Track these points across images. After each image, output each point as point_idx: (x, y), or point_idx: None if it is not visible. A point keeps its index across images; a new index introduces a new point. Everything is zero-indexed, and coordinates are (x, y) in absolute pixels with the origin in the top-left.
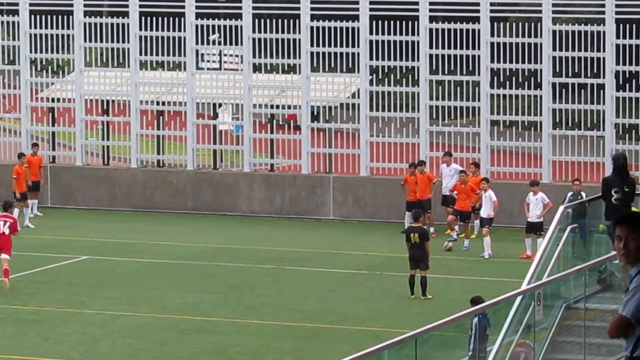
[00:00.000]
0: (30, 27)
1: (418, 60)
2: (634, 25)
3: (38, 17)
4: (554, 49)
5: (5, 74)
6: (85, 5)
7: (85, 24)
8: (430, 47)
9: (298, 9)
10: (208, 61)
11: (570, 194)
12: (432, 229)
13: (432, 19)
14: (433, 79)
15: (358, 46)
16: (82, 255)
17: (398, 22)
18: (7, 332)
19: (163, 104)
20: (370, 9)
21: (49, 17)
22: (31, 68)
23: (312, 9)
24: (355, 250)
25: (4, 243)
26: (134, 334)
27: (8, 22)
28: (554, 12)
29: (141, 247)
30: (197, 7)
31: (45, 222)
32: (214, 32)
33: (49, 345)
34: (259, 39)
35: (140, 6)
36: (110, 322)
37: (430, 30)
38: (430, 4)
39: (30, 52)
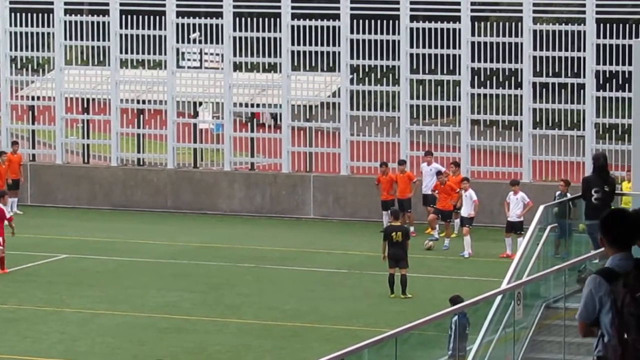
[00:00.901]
0: (11, 25)
1: (399, 59)
2: (614, 25)
3: (19, 15)
4: (535, 49)
5: None
6: (65, 3)
7: (65, 22)
8: (411, 46)
9: (279, 7)
10: (188, 60)
11: (558, 193)
12: (412, 228)
13: (412, 18)
14: (414, 78)
15: (339, 45)
16: (62, 254)
17: (379, 21)
18: None
19: (143, 102)
20: (351, 8)
21: (29, 15)
22: (11, 66)
23: (292, 7)
24: (335, 250)
25: None
26: (113, 332)
27: None
28: (534, 11)
29: (121, 245)
30: (177, 6)
31: (25, 221)
32: (194, 31)
33: (27, 344)
34: (240, 38)
35: (121, 4)
36: (90, 320)
37: (411, 29)
38: (411, 3)
39: (10, 50)
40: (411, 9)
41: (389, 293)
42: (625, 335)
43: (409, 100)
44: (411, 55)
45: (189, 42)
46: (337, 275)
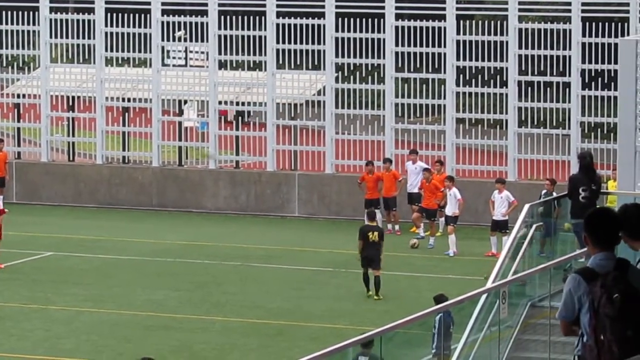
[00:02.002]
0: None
1: (384, 57)
2: (600, 24)
3: (4, 13)
4: (520, 47)
5: None
6: (51, 1)
7: (51, 20)
8: (396, 44)
9: (264, 5)
10: (174, 58)
11: (543, 192)
12: (397, 227)
13: (398, 17)
14: (399, 76)
15: (324, 43)
16: (47, 252)
17: (364, 20)
18: None
19: (129, 100)
20: (336, 6)
21: (14, 12)
22: None
23: (277, 5)
24: (320, 248)
25: None
26: (98, 330)
27: None
28: (520, 10)
29: (106, 243)
30: (162, 4)
31: (10, 218)
32: (179, 29)
33: (13, 342)
34: (225, 36)
35: (106, 2)
36: (75, 318)
37: (396, 27)
38: (396, 1)
39: None
40: (396, 7)
41: (366, 292)
42: (602, 336)
43: (394, 98)
44: (396, 53)
45: (174, 40)
46: (322, 273)
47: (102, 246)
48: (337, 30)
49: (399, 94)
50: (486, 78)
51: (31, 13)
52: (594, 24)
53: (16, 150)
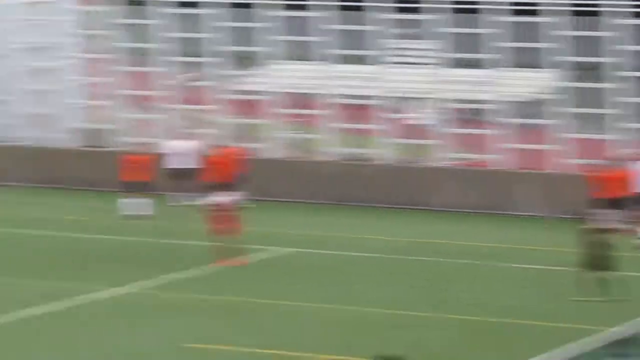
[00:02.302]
0: (229, 21)
1: (617, 56)
2: None
3: (234, 10)
4: None
5: (205, 66)
6: None
7: (282, 17)
8: (631, 43)
9: (494, 3)
10: (404, 55)
11: None
12: (631, 227)
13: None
14: (632, 75)
15: (554, 42)
16: (283, 248)
17: (592, 18)
18: (214, 321)
19: (361, 97)
20: (571, 5)
21: (236, 9)
22: (230, 61)
23: (511, 3)
24: (554, 247)
25: None
26: (342, 327)
27: (200, 16)
28: None
29: (342, 240)
30: (394, 1)
31: (246, 215)
32: (410, 27)
33: (258, 337)
34: (456, 34)
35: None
36: (317, 314)
37: (631, 25)
38: None
39: (228, 45)
40: (631, 5)
41: (587, 296)
42: None
43: (629, 98)
44: (631, 52)
45: (404, 38)
46: (554, 273)
47: (338, 243)
48: (568, 29)
49: (632, 94)
50: None
51: (247, 11)
52: None
53: (250, 147)
